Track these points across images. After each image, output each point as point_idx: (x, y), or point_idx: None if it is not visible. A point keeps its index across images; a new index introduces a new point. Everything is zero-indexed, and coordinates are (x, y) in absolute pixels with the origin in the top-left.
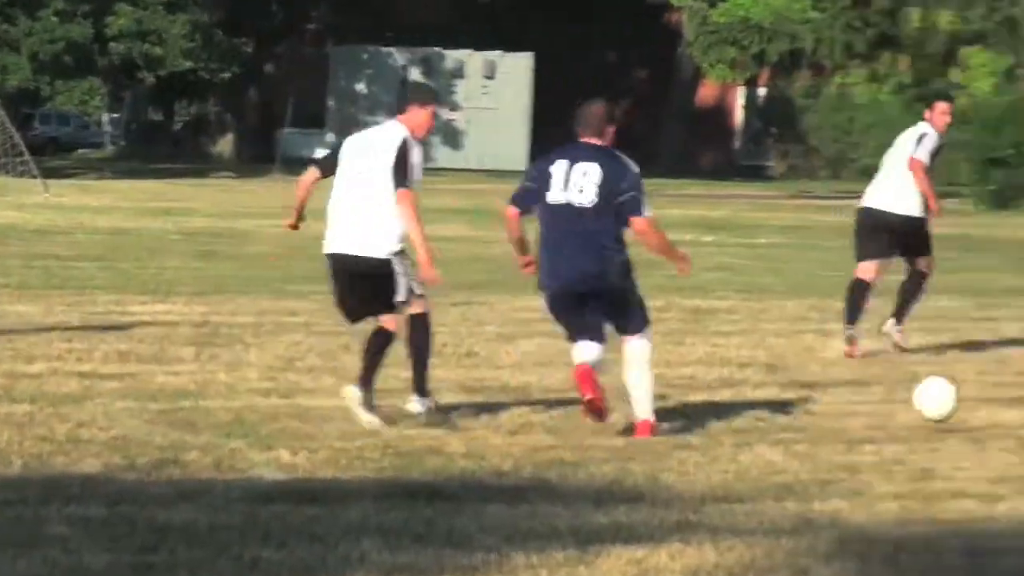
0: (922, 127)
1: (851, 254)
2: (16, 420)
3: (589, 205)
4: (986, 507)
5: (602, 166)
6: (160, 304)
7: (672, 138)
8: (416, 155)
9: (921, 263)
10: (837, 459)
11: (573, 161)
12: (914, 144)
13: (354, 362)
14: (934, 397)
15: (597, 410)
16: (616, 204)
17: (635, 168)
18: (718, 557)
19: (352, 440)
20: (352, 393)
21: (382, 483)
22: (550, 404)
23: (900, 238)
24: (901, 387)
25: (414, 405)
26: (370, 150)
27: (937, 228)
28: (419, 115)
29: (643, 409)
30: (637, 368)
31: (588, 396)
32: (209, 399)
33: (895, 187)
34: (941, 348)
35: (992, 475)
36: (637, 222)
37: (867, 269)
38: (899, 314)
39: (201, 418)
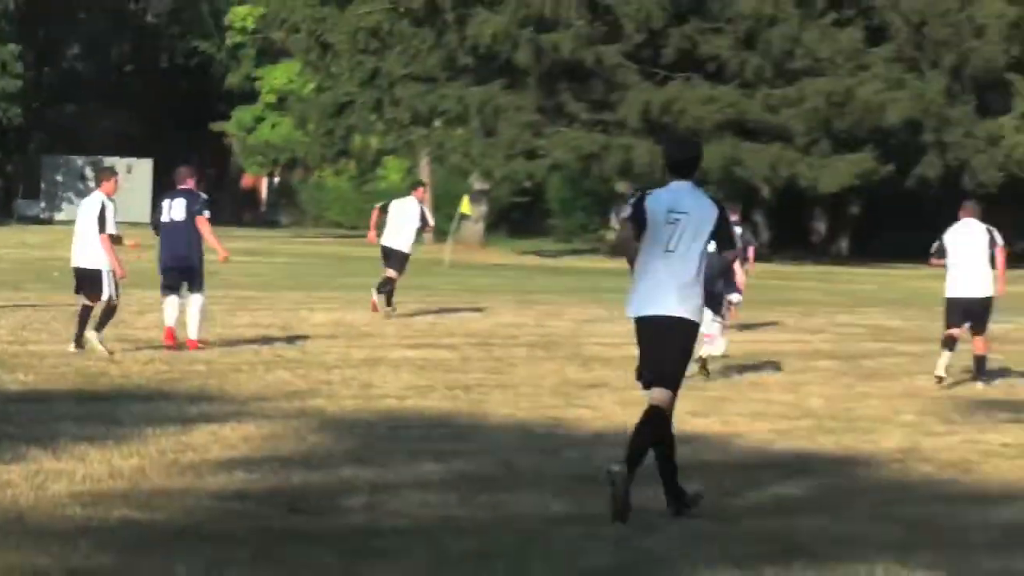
0: None
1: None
2: None
3: None
4: (400, 403)
5: None
6: None
7: (227, 205)
8: None
9: None
10: (322, 376)
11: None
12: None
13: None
14: None
15: None
16: None
17: None
18: (256, 431)
19: (58, 368)
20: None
21: (74, 391)
22: (168, 351)
23: None
24: (357, 337)
25: None
26: None
27: (368, 253)
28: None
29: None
30: None
31: None
32: None
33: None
34: (375, 317)
35: (403, 385)
36: None
37: None
38: None
39: None
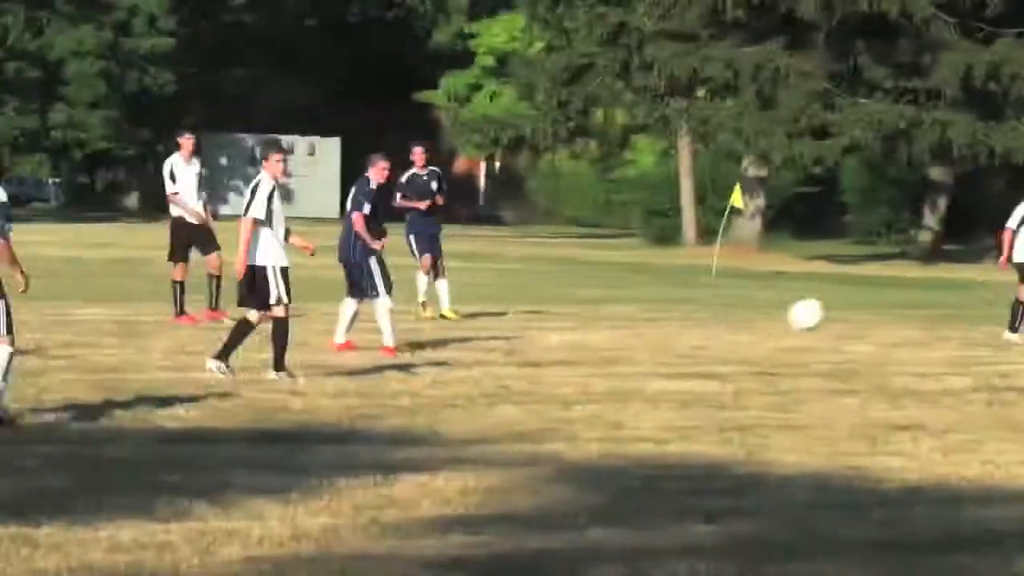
0: None
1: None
2: None
3: None
4: (658, 447)
5: None
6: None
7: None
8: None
9: None
10: (558, 414)
11: None
12: None
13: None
14: (805, 312)
15: None
16: None
17: None
18: (477, 481)
19: (226, 400)
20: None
21: (246, 431)
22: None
23: None
24: (601, 364)
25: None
26: None
27: (615, 258)
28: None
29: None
30: None
31: None
32: (128, 372)
33: None
34: (624, 338)
35: (662, 426)
36: None
37: None
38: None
39: (122, 385)
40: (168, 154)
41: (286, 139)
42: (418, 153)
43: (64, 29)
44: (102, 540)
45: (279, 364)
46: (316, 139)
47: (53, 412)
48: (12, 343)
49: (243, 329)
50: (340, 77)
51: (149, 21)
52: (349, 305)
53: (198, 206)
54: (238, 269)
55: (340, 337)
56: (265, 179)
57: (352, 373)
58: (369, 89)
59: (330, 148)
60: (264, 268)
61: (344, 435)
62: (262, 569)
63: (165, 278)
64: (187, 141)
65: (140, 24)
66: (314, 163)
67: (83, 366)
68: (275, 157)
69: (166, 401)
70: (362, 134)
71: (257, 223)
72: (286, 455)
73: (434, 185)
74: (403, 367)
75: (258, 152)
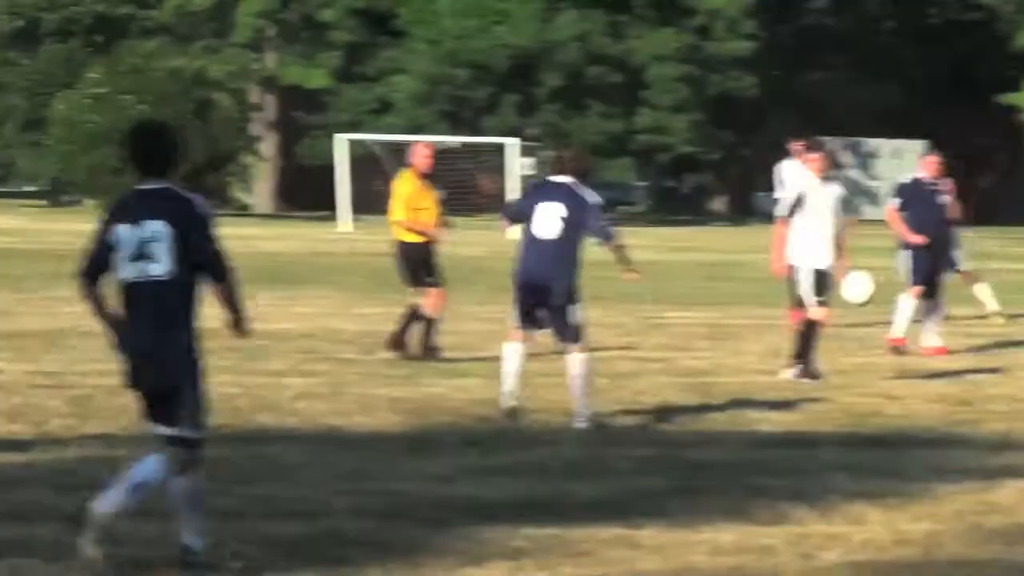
0: None
1: None
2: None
3: None
4: None
5: None
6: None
7: (1020, 199)
8: None
9: None
10: None
11: None
12: None
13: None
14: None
15: None
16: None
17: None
18: None
19: (819, 404)
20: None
21: (843, 435)
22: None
23: None
24: None
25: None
26: None
27: None
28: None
29: None
30: None
31: None
32: (721, 376)
33: None
34: None
35: None
36: None
37: None
38: None
39: (715, 389)
40: (752, 163)
41: (870, 143)
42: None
43: (645, 34)
44: (703, 542)
45: (800, 362)
46: (901, 142)
47: (647, 414)
48: (584, 350)
49: (808, 332)
50: (920, 79)
51: (730, 25)
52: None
53: None
54: (773, 269)
55: (926, 340)
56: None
57: (947, 376)
58: (950, 91)
59: (915, 151)
60: (796, 268)
61: (942, 440)
62: (863, 574)
63: (753, 282)
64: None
65: (721, 28)
66: (899, 167)
67: (676, 369)
68: (812, 156)
69: (760, 404)
70: (946, 137)
71: (784, 220)
72: (884, 460)
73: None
74: (998, 371)
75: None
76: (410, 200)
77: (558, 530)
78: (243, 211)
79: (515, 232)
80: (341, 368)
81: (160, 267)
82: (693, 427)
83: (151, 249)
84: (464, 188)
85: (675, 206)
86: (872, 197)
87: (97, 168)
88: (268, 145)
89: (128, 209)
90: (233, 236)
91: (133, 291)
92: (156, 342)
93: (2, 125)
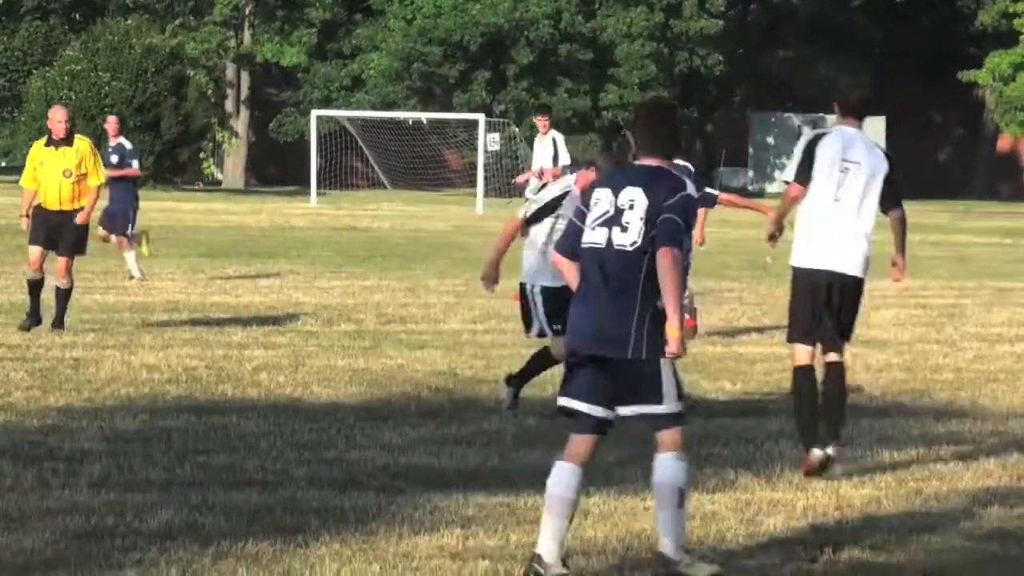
0: None
1: None
2: None
3: None
4: None
5: None
6: None
7: (980, 174)
8: None
9: None
10: None
11: None
12: None
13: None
14: None
15: None
16: None
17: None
18: (1019, 454)
19: (771, 375)
20: None
21: (791, 404)
22: (904, 349)
23: None
24: None
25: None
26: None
27: None
28: None
29: None
30: None
31: None
32: None
33: None
34: None
35: None
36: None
37: None
38: None
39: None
40: (716, 138)
41: (831, 118)
42: None
43: (616, 12)
44: (650, 509)
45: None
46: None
47: None
48: None
49: None
50: (883, 57)
51: (699, 3)
52: None
53: None
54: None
55: None
56: None
57: (894, 347)
58: (912, 68)
59: (875, 126)
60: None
61: (887, 409)
62: (805, 539)
63: (717, 253)
64: None
65: (690, 6)
66: None
67: None
68: None
69: (712, 375)
70: (906, 112)
71: None
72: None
73: None
74: (944, 342)
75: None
76: None
77: (509, 498)
78: (214, 186)
79: None
80: (302, 340)
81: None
82: None
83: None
84: (433, 163)
85: None
86: None
87: None
88: (241, 121)
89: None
90: (204, 210)
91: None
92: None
93: None
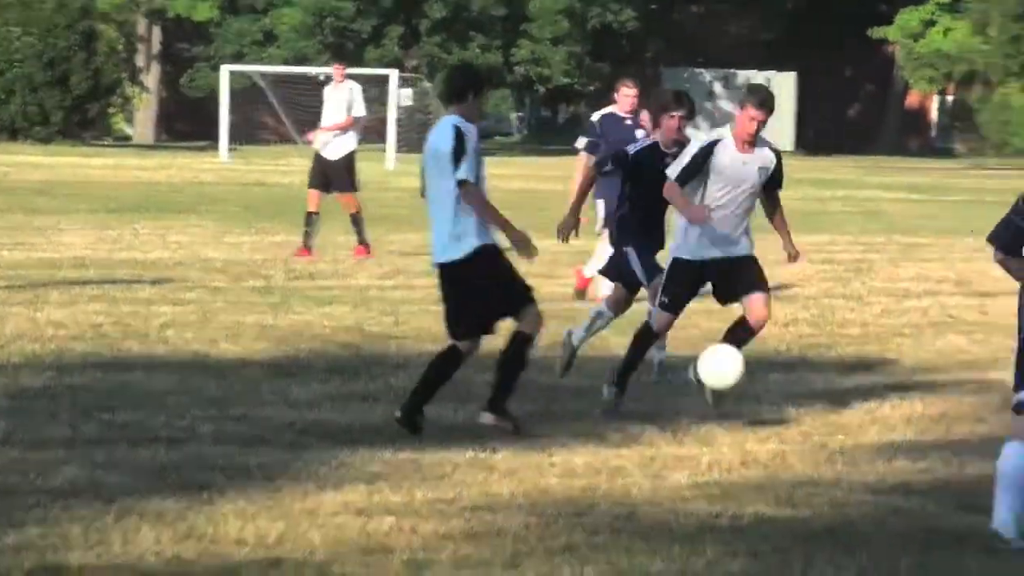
0: None
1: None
2: None
3: None
4: None
5: None
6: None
7: (889, 129)
8: None
9: None
10: (1006, 343)
11: None
12: None
13: None
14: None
15: None
16: None
17: None
18: (923, 409)
19: (681, 329)
20: None
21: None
22: (811, 303)
23: None
24: None
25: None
26: None
27: None
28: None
29: None
30: None
31: None
32: (585, 302)
33: None
34: None
35: None
36: None
37: None
38: None
39: (577, 314)
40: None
41: (742, 74)
42: None
43: None
44: (556, 465)
45: None
46: (772, 74)
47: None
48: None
49: None
50: (796, 13)
51: None
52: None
53: None
54: None
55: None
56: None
57: (801, 301)
58: (824, 25)
59: (786, 82)
60: None
61: (793, 363)
62: (711, 494)
63: None
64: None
65: None
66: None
67: (540, 296)
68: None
69: (621, 330)
70: (817, 69)
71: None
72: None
73: None
74: (851, 297)
75: (723, 92)
76: None
77: (414, 454)
78: (124, 141)
79: None
80: (210, 296)
81: None
82: (553, 353)
83: None
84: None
85: (550, 136)
86: None
87: None
88: (152, 76)
89: None
90: (113, 166)
91: None
92: None
93: None
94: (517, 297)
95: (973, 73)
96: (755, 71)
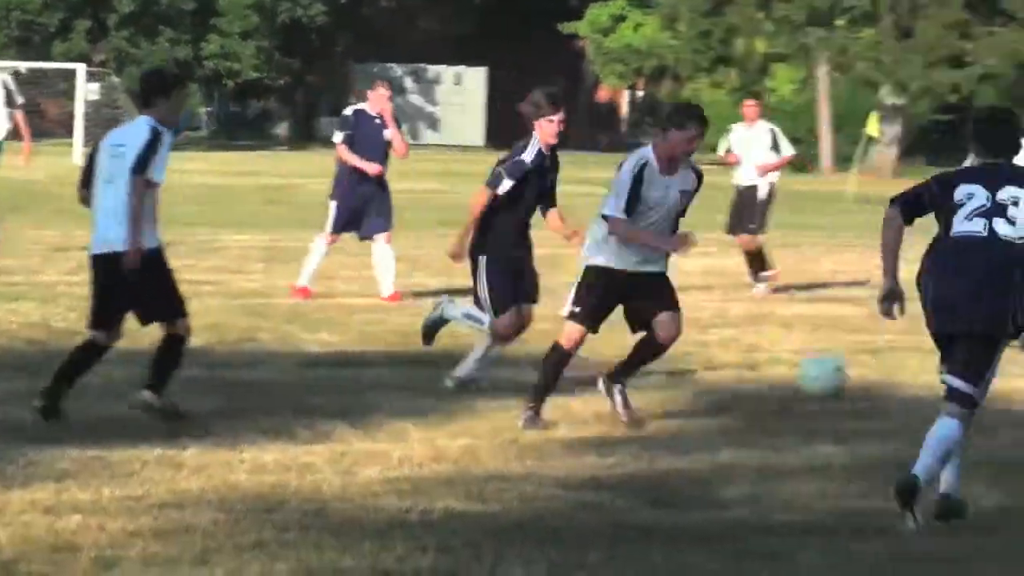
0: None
1: None
2: None
3: None
4: (792, 370)
5: None
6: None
7: (580, 125)
8: None
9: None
10: (693, 338)
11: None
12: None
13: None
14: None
15: None
16: None
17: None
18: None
19: (371, 325)
20: None
21: (392, 354)
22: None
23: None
24: (737, 288)
25: None
26: None
27: None
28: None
29: None
30: None
31: None
32: (273, 297)
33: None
34: None
35: (796, 349)
36: None
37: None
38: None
39: (267, 310)
40: (318, 89)
41: (433, 69)
42: None
43: None
44: (246, 461)
45: None
46: (462, 69)
47: (197, 336)
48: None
49: None
50: (485, 7)
51: None
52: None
53: None
54: None
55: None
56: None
57: None
58: (515, 20)
59: (477, 77)
60: None
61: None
62: (401, 489)
63: (311, 206)
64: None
65: None
66: (460, 92)
67: (229, 291)
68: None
69: (311, 325)
70: (507, 63)
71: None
72: (429, 378)
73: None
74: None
75: (414, 87)
76: None
77: (103, 452)
78: None
79: None
80: None
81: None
82: (242, 348)
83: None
84: (30, 113)
85: (239, 131)
86: (433, 123)
87: None
88: None
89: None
90: None
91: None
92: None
93: None
94: (172, 308)
95: (663, 68)
96: (445, 66)
